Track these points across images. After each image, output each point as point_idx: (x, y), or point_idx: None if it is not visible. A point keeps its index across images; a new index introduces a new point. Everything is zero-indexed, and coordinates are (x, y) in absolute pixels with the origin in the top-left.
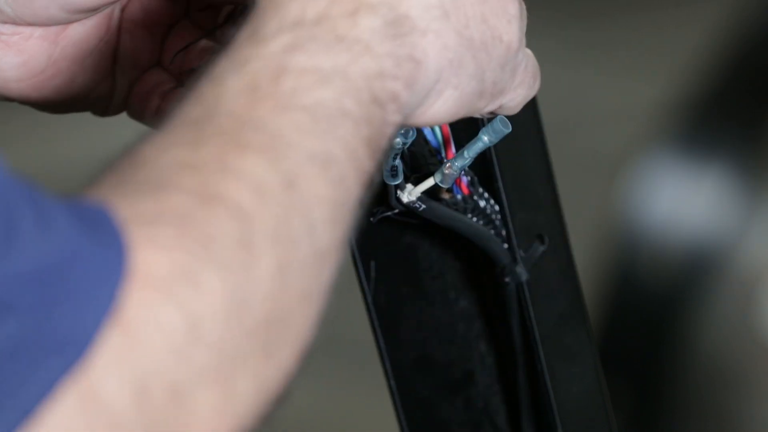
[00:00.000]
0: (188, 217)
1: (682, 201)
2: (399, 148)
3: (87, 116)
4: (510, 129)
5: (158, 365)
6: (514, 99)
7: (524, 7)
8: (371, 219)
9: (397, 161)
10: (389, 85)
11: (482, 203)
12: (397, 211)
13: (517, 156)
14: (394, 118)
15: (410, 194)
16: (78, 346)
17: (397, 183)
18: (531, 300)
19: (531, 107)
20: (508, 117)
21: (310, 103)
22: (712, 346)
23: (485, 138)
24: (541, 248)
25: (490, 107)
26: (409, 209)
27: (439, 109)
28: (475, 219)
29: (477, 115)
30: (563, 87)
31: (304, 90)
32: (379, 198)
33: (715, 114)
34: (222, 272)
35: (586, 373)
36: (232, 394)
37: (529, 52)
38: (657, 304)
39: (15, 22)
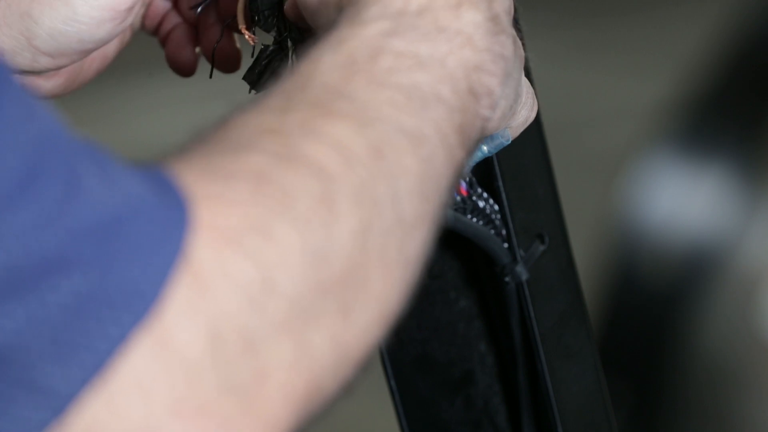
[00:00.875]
0: (265, 174)
1: (682, 201)
2: None
3: (85, 115)
4: (509, 141)
5: (230, 314)
6: (517, 122)
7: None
8: None
9: None
10: (486, 80)
11: (481, 203)
12: None
13: (517, 155)
14: (487, 112)
15: None
16: (146, 299)
17: None
18: (531, 299)
19: None
20: None
21: (405, 83)
22: (712, 345)
23: (484, 148)
24: (541, 248)
25: (501, 126)
26: None
27: (500, 112)
28: (474, 219)
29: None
30: (563, 87)
31: (401, 71)
32: None
33: (715, 114)
34: (299, 226)
35: (586, 373)
36: (308, 348)
37: (527, 81)
38: (657, 304)
39: (48, 69)
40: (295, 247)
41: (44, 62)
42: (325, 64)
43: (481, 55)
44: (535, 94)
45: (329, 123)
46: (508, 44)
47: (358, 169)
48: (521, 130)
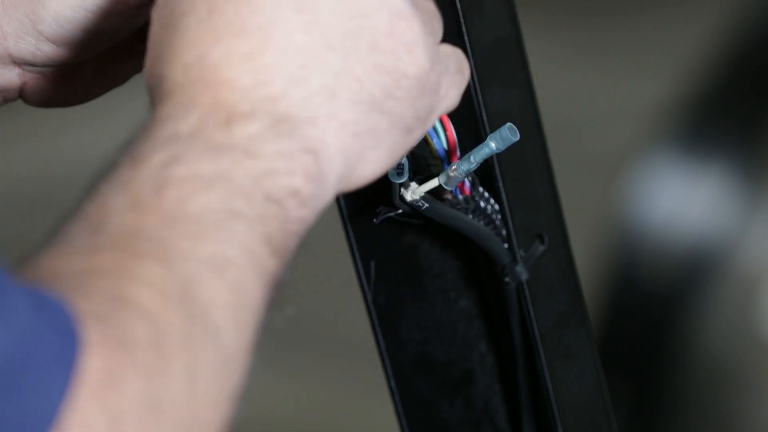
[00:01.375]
0: (106, 320)
1: (682, 201)
2: None
3: (82, 116)
4: (518, 137)
5: None
6: (449, 103)
7: (428, 10)
8: (374, 220)
9: (404, 159)
10: (284, 182)
11: (482, 203)
12: (400, 211)
13: (517, 155)
14: (300, 212)
15: (414, 193)
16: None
17: (402, 181)
18: (531, 299)
19: (531, 107)
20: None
21: (196, 210)
22: (712, 345)
23: (492, 144)
24: (541, 248)
25: (427, 128)
26: (412, 208)
27: (371, 169)
28: (475, 219)
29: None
30: (563, 87)
31: (188, 198)
32: (381, 197)
33: (715, 114)
34: (140, 375)
35: (586, 373)
36: None
37: (447, 49)
38: (657, 304)
39: (49, 62)
40: (138, 396)
41: (46, 50)
42: (114, 209)
43: (269, 161)
44: (536, 94)
45: (139, 265)
46: (313, 133)
47: (175, 311)
48: (458, 102)
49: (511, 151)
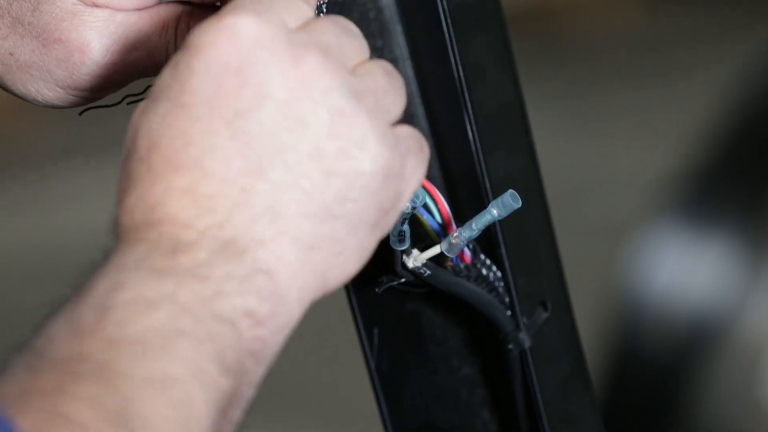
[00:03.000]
0: None
1: (685, 270)
2: (408, 213)
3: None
4: (520, 204)
5: None
6: (416, 185)
7: (376, 88)
8: (376, 290)
9: (405, 226)
10: (236, 302)
11: (485, 271)
12: (403, 280)
13: (519, 222)
14: (256, 332)
15: (416, 260)
16: None
17: (403, 249)
18: (534, 366)
19: (533, 173)
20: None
21: (139, 330)
22: (715, 414)
23: (494, 211)
24: (544, 315)
25: (394, 217)
26: (414, 275)
27: (341, 273)
28: (477, 286)
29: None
30: (565, 155)
31: (130, 320)
32: (383, 266)
33: (718, 184)
34: None
35: None
36: None
37: (403, 130)
38: (660, 372)
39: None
40: None
41: (76, 98)
42: (56, 337)
43: (218, 283)
44: (538, 161)
45: (77, 384)
46: (264, 254)
47: (113, 426)
48: (422, 180)
49: (513, 217)
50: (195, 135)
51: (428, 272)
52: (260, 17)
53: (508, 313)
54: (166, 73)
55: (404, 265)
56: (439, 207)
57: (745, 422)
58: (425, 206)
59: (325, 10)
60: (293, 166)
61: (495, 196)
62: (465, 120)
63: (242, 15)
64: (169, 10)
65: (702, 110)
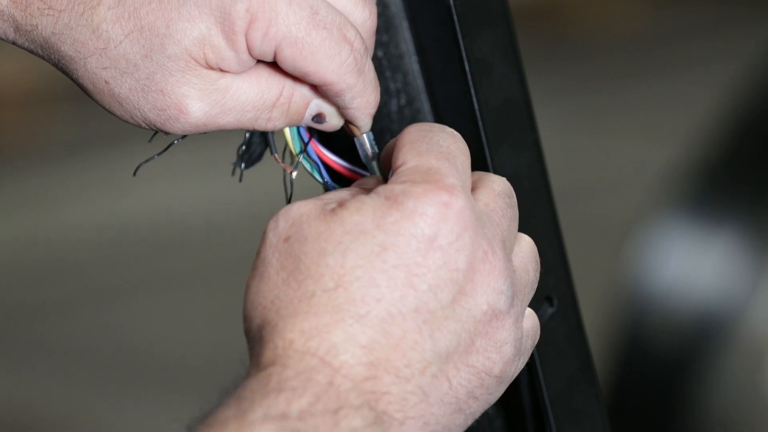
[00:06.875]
0: None
1: (691, 266)
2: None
3: (87, 184)
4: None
5: None
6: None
7: (524, 288)
8: None
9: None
10: None
11: None
12: None
13: (526, 219)
14: None
15: None
16: None
17: None
18: (540, 362)
19: (540, 169)
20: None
21: None
22: (721, 411)
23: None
24: (551, 310)
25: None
26: None
27: None
28: None
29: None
30: (572, 152)
31: None
32: None
33: (724, 180)
34: None
35: None
36: None
37: (528, 324)
38: (666, 369)
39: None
40: None
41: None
42: None
43: None
44: (544, 159)
45: None
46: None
47: None
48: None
49: (520, 212)
50: (387, 293)
51: None
52: (468, 197)
53: None
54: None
55: None
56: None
57: (751, 417)
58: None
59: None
60: (451, 352)
61: None
62: (471, 116)
63: (458, 195)
64: (270, 82)
65: (708, 106)
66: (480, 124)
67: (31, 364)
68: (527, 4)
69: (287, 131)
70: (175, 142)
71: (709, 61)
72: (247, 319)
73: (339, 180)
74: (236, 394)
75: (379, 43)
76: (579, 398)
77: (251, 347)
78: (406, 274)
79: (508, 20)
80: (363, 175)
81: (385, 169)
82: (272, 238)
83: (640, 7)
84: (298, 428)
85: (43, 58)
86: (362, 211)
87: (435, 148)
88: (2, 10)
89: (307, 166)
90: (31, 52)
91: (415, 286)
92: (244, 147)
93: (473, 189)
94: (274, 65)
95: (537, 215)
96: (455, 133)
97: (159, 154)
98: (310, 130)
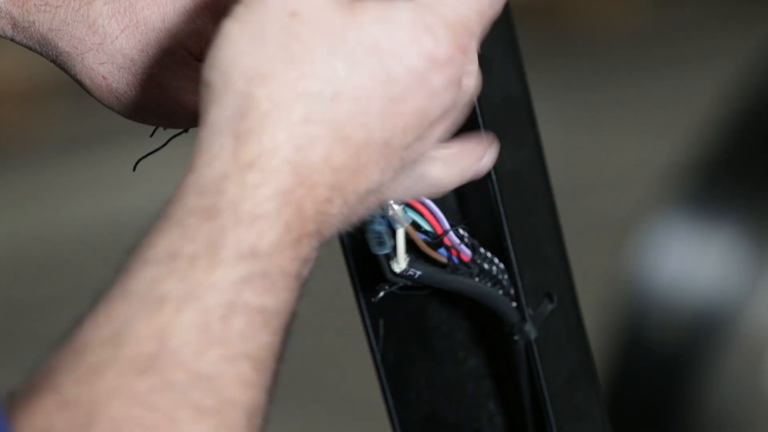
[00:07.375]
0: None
1: (691, 263)
2: (382, 222)
3: (88, 180)
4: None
5: None
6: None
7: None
8: (372, 299)
9: (381, 227)
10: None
11: (486, 265)
12: (400, 285)
13: (525, 214)
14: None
15: (400, 261)
16: None
17: (386, 252)
18: (540, 358)
19: (540, 165)
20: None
21: (253, 350)
22: (721, 407)
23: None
24: (550, 306)
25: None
26: (405, 278)
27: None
28: (481, 281)
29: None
30: (571, 150)
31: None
32: (376, 274)
33: (724, 177)
34: None
35: None
36: None
37: (468, 83)
38: (665, 365)
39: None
40: None
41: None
42: (178, 329)
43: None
44: (543, 155)
45: (194, 425)
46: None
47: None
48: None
49: (520, 209)
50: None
51: (419, 273)
52: None
53: (514, 304)
54: None
55: (392, 271)
56: (427, 218)
57: (752, 414)
58: (414, 223)
59: None
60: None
61: (501, 188)
62: (471, 112)
63: None
64: None
65: (708, 103)
66: (480, 120)
67: (30, 361)
68: (527, 1)
69: None
70: (176, 136)
71: (710, 58)
72: (221, 72)
73: None
74: (210, 200)
75: None
76: (579, 395)
77: (214, 99)
78: (393, 109)
79: (508, 16)
80: None
81: None
82: (275, 4)
83: (640, 3)
84: (265, 271)
85: (41, 54)
86: (385, 23)
87: None
88: (0, 8)
89: None
90: (29, 48)
91: (397, 125)
92: None
93: None
94: None
95: (537, 212)
96: None
97: (159, 148)
98: None
